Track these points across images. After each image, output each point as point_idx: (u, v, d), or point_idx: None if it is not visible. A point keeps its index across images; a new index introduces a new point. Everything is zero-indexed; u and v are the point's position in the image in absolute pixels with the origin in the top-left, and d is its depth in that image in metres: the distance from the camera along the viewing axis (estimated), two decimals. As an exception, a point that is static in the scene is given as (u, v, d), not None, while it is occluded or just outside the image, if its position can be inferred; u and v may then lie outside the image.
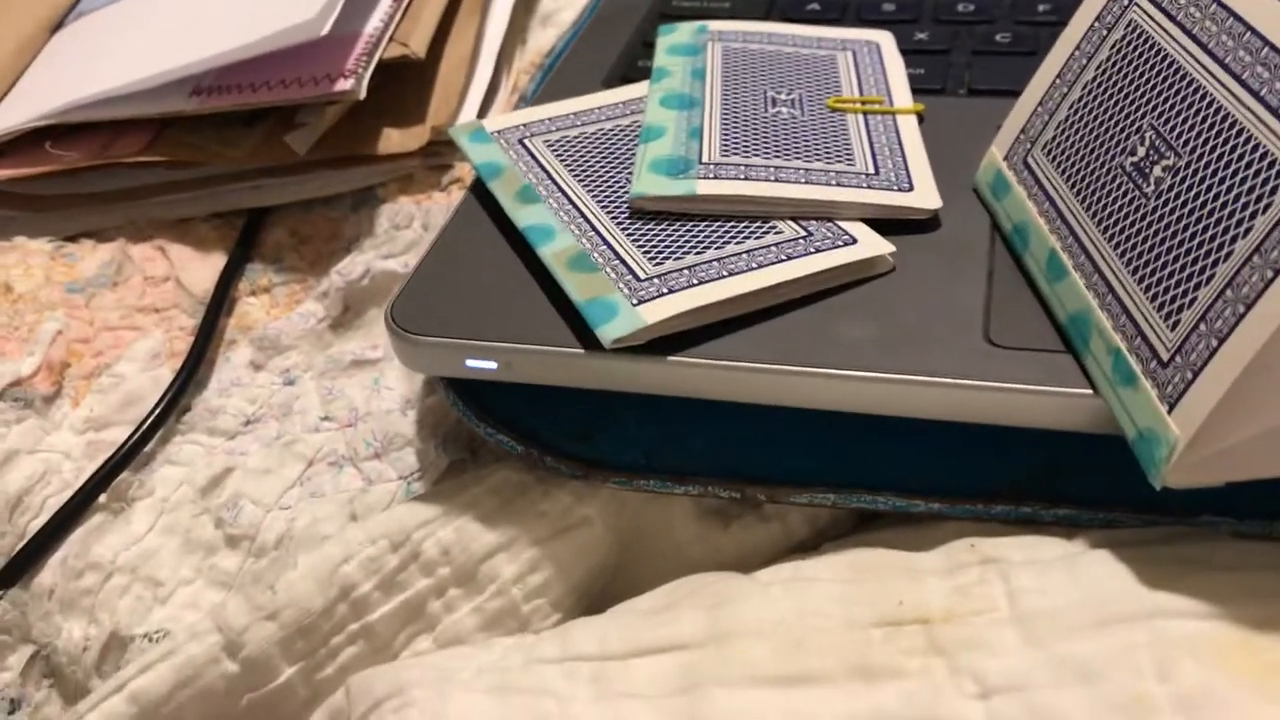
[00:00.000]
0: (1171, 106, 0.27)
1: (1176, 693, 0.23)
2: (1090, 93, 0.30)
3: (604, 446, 0.31)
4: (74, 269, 0.41)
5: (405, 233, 0.41)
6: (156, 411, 0.36)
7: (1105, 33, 0.30)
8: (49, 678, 0.32)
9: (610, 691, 0.26)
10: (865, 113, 0.37)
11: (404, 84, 0.45)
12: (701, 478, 0.30)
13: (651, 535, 0.32)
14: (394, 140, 0.43)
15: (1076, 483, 0.29)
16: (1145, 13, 0.29)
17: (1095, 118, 0.30)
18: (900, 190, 0.33)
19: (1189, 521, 0.28)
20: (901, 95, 0.38)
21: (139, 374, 0.38)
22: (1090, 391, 0.27)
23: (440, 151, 0.44)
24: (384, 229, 0.42)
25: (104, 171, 0.43)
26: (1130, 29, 0.29)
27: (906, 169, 0.34)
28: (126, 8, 0.48)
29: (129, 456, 0.35)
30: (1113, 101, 0.29)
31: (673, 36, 0.41)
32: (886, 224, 0.32)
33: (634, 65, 0.42)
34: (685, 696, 0.25)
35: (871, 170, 0.34)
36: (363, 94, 0.41)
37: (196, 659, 0.29)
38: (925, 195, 0.33)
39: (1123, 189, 0.28)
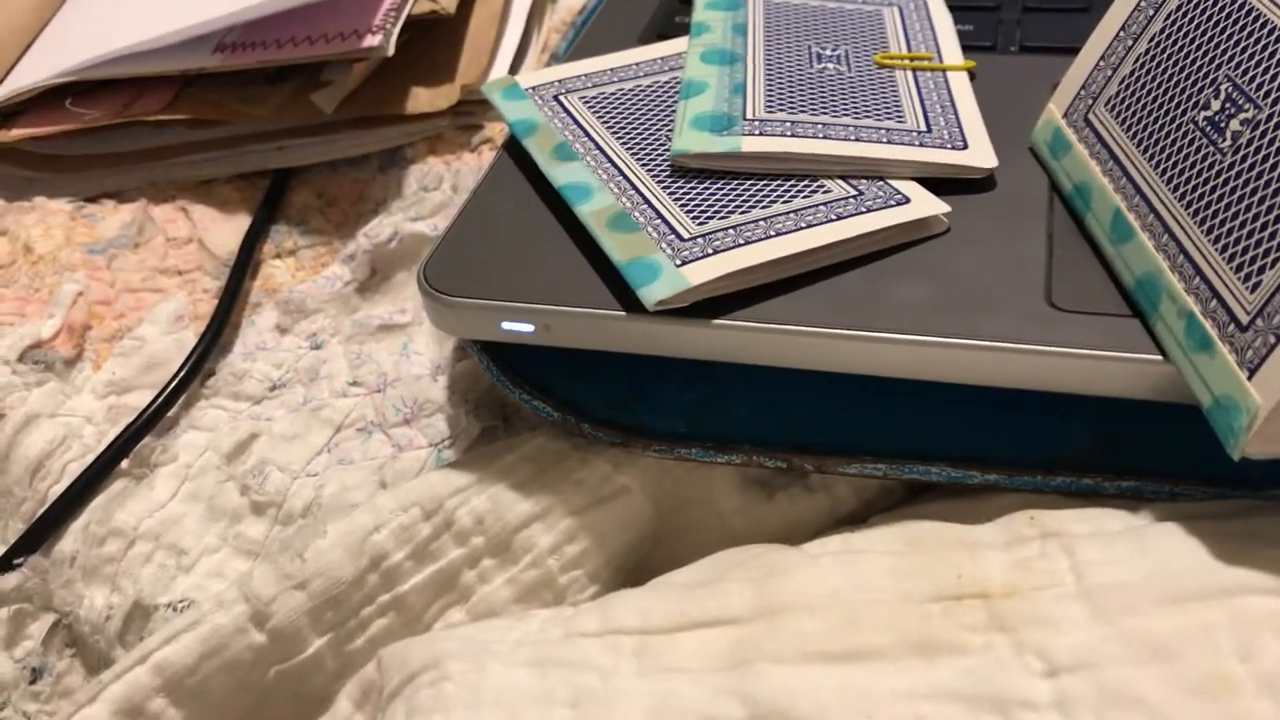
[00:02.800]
0: (1250, 56, 0.26)
1: (1260, 672, 0.21)
2: (1158, 45, 0.29)
3: (644, 413, 0.30)
4: (94, 230, 0.40)
5: (434, 194, 0.40)
6: (180, 375, 0.35)
7: (1175, -19, 0.29)
8: (71, 646, 0.31)
9: (655, 665, 0.25)
10: (914, 69, 0.35)
11: (432, 41, 0.43)
12: (746, 446, 0.29)
13: (693, 505, 0.31)
14: (422, 99, 0.41)
15: (1141, 453, 0.27)
16: (1219, -40, 0.28)
17: (1164, 71, 0.28)
18: (954, 148, 0.31)
19: (1261, 495, 0.26)
20: (951, 52, 0.36)
21: (162, 337, 0.37)
22: (1160, 357, 0.26)
23: (470, 111, 0.42)
24: (412, 190, 0.41)
25: (125, 130, 0.42)
26: (1203, -23, 0.28)
27: (960, 127, 0.32)
28: (148, -37, 0.47)
29: (152, 421, 0.34)
30: (1183, 53, 0.28)
31: (712, -9, 0.39)
32: (938, 183, 0.31)
33: (670, 21, 0.41)
34: (735, 671, 0.24)
35: (923, 128, 0.32)
36: (391, 51, 0.39)
37: (223, 629, 0.28)
38: (980, 154, 0.31)
39: (1195, 145, 0.26)
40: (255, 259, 0.40)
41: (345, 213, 0.42)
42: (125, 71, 0.41)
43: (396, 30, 0.40)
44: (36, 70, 0.43)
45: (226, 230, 0.41)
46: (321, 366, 0.36)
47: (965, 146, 0.32)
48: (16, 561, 0.31)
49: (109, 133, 0.42)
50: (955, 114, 0.33)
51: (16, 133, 0.42)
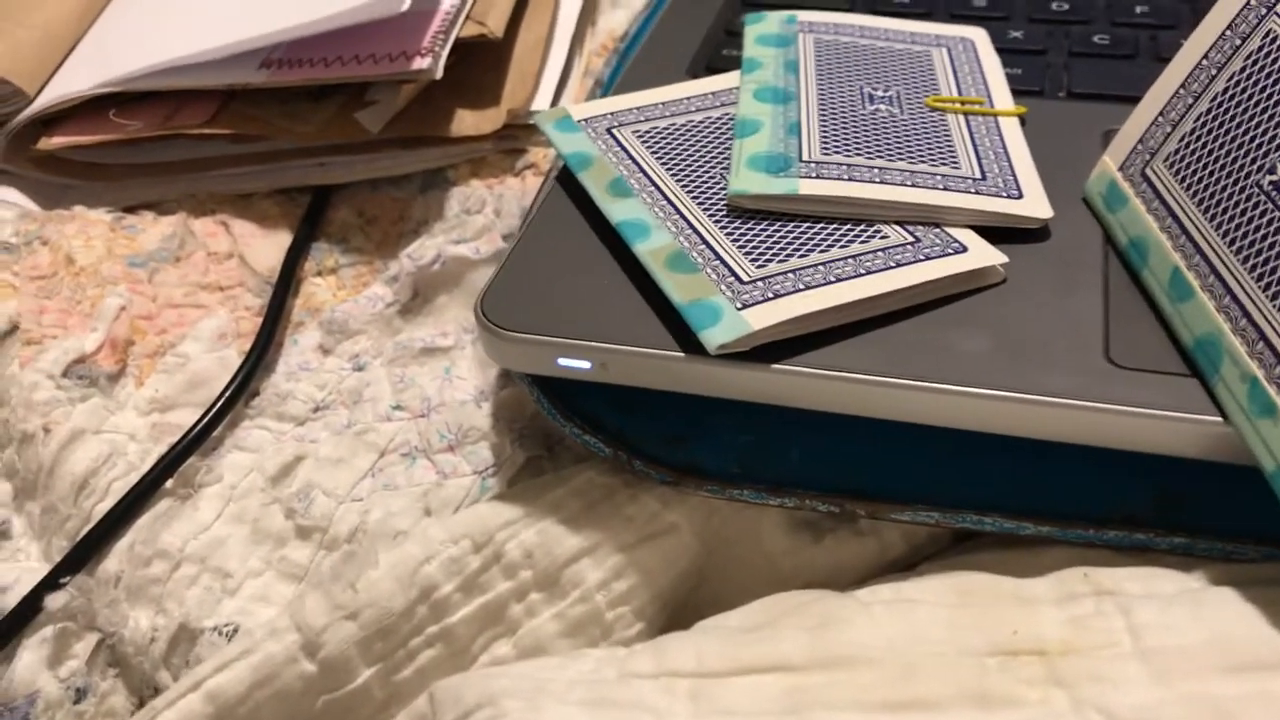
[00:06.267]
0: (1318, 125, 0.26)
1: (1326, 745, 0.22)
2: (1221, 105, 0.29)
3: (697, 453, 0.30)
4: (135, 241, 0.40)
5: (476, 217, 0.40)
6: (226, 394, 0.35)
7: (1239, 42, 0.29)
8: (114, 667, 0.31)
9: (710, 709, 0.25)
10: (966, 113, 0.35)
11: (478, 64, 0.43)
12: (799, 490, 0.29)
13: (740, 545, 0.31)
14: (467, 122, 0.41)
15: (1195, 511, 0.28)
16: (1284, 23, 0.28)
17: (1227, 132, 0.28)
18: (1009, 197, 0.32)
19: (1313, 558, 0.27)
20: (1001, 96, 0.36)
21: (204, 354, 0.37)
22: (1220, 419, 0.26)
23: (514, 135, 0.42)
24: (454, 213, 0.41)
25: (166, 142, 0.42)
26: (1269, 39, 0.28)
27: (1014, 175, 0.33)
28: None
29: (197, 440, 0.34)
30: (1247, 115, 0.28)
31: (761, 26, 0.39)
32: (991, 232, 0.31)
33: (719, 54, 0.41)
34: (791, 716, 0.24)
35: (978, 175, 0.32)
36: (439, 74, 0.39)
37: (275, 658, 0.28)
38: (1036, 203, 0.32)
39: (1260, 208, 0.27)
40: (296, 276, 0.40)
41: (385, 232, 0.42)
42: (170, 84, 0.41)
43: (445, 53, 0.40)
44: (79, 78, 0.43)
45: (267, 246, 0.41)
46: (365, 389, 0.36)
47: (1020, 195, 0.32)
48: (62, 580, 0.31)
49: (149, 143, 0.42)
50: (1009, 161, 0.33)
51: (58, 140, 0.42)
